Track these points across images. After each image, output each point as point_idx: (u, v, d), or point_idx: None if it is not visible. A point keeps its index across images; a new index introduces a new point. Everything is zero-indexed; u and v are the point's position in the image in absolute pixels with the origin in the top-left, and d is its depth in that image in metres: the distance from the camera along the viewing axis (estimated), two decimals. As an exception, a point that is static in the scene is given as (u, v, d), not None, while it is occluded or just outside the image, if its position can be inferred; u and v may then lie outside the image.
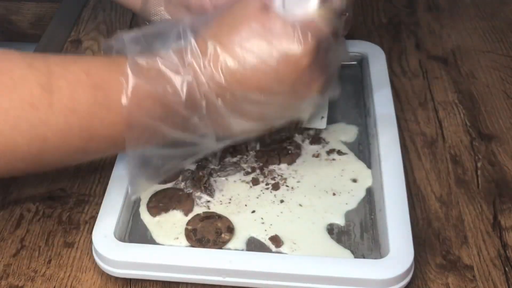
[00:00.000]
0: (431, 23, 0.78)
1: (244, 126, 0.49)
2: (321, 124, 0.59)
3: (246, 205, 0.54)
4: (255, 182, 0.56)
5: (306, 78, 0.47)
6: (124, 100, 0.45)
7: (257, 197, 0.55)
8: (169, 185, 0.56)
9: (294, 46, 0.46)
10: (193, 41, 0.47)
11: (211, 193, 0.55)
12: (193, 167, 0.57)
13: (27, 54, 0.46)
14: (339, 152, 0.58)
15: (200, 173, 0.56)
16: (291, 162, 0.57)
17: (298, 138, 0.60)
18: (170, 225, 0.53)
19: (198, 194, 0.55)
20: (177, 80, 0.46)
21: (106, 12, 0.82)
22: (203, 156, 0.52)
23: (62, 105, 0.45)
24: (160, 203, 0.54)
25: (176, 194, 0.55)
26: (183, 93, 0.46)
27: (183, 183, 0.56)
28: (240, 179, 0.56)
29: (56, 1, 0.84)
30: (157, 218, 0.53)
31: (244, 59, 0.46)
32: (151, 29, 0.50)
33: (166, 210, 0.54)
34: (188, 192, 0.55)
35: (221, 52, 0.46)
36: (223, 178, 0.56)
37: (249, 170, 0.57)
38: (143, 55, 0.47)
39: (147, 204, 0.54)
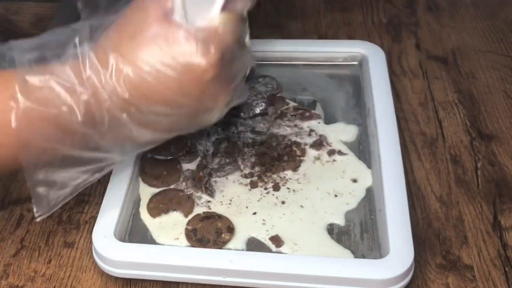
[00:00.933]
0: (431, 23, 0.78)
1: (151, 137, 0.48)
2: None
3: (247, 207, 0.54)
4: (254, 185, 0.55)
5: (211, 91, 0.46)
6: (14, 123, 0.43)
7: (258, 200, 0.55)
8: (171, 186, 0.56)
9: (197, 60, 0.44)
10: (92, 54, 0.44)
11: (211, 194, 0.55)
12: (193, 166, 0.57)
13: None
14: (340, 153, 0.58)
15: (201, 173, 0.56)
16: (295, 168, 0.57)
17: (300, 141, 0.59)
18: (170, 226, 0.52)
19: (198, 194, 0.55)
20: (73, 99, 0.43)
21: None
22: (111, 169, 0.50)
23: None
24: (160, 204, 0.54)
25: (176, 195, 0.55)
26: (80, 112, 0.44)
27: (184, 184, 0.56)
28: (239, 181, 0.56)
29: (56, 1, 0.84)
30: (157, 219, 0.53)
31: (147, 72, 0.44)
32: (47, 37, 0.47)
33: (166, 211, 0.54)
34: (188, 193, 0.55)
35: (123, 66, 0.44)
36: (224, 178, 0.56)
37: (248, 173, 0.56)
38: (36, 71, 0.44)
39: (147, 205, 0.54)
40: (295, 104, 0.63)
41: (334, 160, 0.58)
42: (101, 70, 0.44)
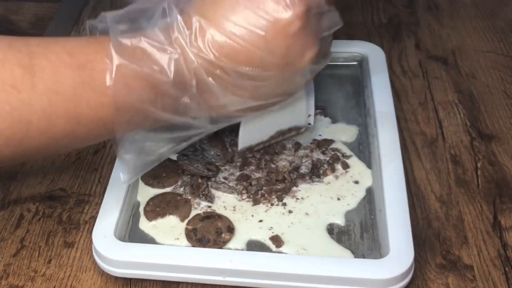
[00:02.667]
0: (431, 23, 0.79)
1: (238, 105, 0.47)
2: (309, 120, 0.58)
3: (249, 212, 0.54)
4: (256, 201, 0.54)
5: (298, 46, 0.45)
6: (109, 81, 0.43)
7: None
8: (168, 189, 0.56)
9: (282, 12, 0.43)
10: (179, 17, 0.45)
11: (211, 200, 0.54)
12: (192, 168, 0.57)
13: (6, 36, 0.44)
14: (344, 156, 0.58)
15: (200, 180, 0.55)
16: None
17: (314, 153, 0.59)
18: (165, 230, 0.52)
19: (197, 200, 0.54)
20: (163, 58, 0.44)
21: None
22: (198, 139, 0.50)
23: (45, 86, 0.43)
24: (157, 208, 0.54)
25: (174, 199, 0.54)
26: (171, 72, 0.44)
27: (181, 189, 0.55)
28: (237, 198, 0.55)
29: (56, 1, 0.84)
30: (153, 222, 0.53)
31: (231, 32, 0.44)
32: (135, 7, 0.47)
33: (163, 215, 0.53)
34: (186, 198, 0.55)
35: (207, 27, 0.44)
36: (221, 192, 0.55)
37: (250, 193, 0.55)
38: (128, 34, 0.45)
39: (144, 208, 0.54)
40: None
41: (338, 169, 0.57)
42: (187, 32, 0.44)
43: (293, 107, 0.56)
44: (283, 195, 0.55)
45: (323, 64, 0.50)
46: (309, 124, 0.59)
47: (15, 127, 0.43)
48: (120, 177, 0.54)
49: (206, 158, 0.57)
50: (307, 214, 0.53)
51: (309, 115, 0.59)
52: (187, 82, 0.45)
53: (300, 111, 0.57)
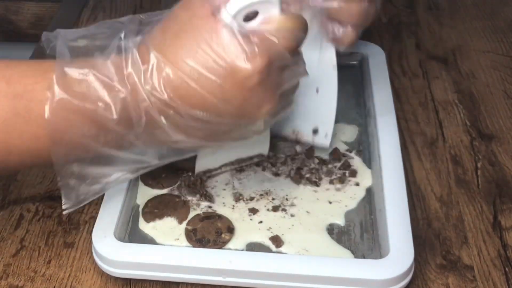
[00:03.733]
0: (431, 23, 0.78)
1: (190, 144, 0.46)
2: (324, 141, 0.57)
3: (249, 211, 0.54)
4: (254, 211, 0.54)
5: (255, 99, 0.43)
6: (47, 114, 0.41)
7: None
8: (167, 190, 0.55)
9: (241, 64, 0.41)
10: (135, 51, 0.43)
11: (210, 199, 0.54)
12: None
13: None
14: (347, 161, 0.58)
15: (193, 178, 0.55)
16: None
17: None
18: (163, 232, 0.52)
19: (196, 199, 0.54)
20: (110, 96, 0.42)
21: (106, 12, 0.82)
22: (148, 171, 0.49)
23: None
24: (155, 209, 0.54)
25: (172, 200, 0.54)
26: (116, 110, 0.42)
27: (179, 190, 0.55)
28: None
29: (56, 1, 0.84)
30: (151, 224, 0.53)
31: (188, 75, 0.42)
32: (94, 29, 0.46)
33: (161, 216, 0.53)
34: (184, 199, 0.54)
35: (164, 65, 0.42)
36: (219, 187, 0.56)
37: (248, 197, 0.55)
38: (76, 64, 0.43)
39: (142, 209, 0.54)
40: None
41: (343, 174, 0.57)
42: (142, 68, 0.42)
43: (255, 138, 0.52)
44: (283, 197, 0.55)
45: (282, 114, 0.48)
46: (325, 145, 0.57)
47: None
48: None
49: None
50: (307, 214, 0.53)
51: (326, 135, 0.57)
52: (134, 121, 0.43)
53: (262, 141, 0.56)
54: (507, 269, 0.50)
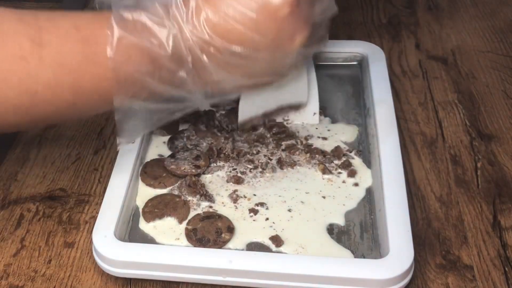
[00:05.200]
0: (431, 23, 0.79)
1: (231, 82, 0.49)
2: (313, 119, 0.59)
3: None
4: (254, 211, 0.54)
5: (288, 29, 0.47)
6: (109, 52, 0.45)
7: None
8: (165, 190, 0.55)
9: None
10: None
11: (211, 199, 0.54)
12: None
13: (17, 10, 0.46)
14: (347, 160, 0.58)
15: (193, 178, 0.55)
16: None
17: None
18: (164, 232, 0.52)
19: (197, 200, 0.54)
20: (162, 33, 0.46)
21: (106, 12, 0.82)
22: (192, 110, 0.52)
23: (52, 59, 0.45)
24: (156, 209, 0.54)
25: (172, 200, 0.54)
26: (169, 46, 0.46)
27: (180, 190, 0.55)
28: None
29: (56, 1, 0.84)
30: (151, 223, 0.53)
31: (224, 12, 0.46)
32: None
33: (161, 216, 0.53)
34: (185, 199, 0.54)
35: (202, 6, 0.46)
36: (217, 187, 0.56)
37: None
38: (130, 9, 0.47)
39: (143, 209, 0.54)
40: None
41: (340, 173, 0.57)
42: (184, 10, 0.46)
43: (293, 84, 0.57)
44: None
45: (316, 48, 0.52)
46: (314, 122, 0.60)
47: (22, 97, 0.45)
48: (120, 176, 0.54)
49: (194, 154, 0.57)
50: (307, 214, 0.53)
51: (314, 113, 0.60)
52: (183, 57, 0.47)
53: (300, 88, 0.58)
54: (506, 269, 0.50)
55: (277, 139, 0.59)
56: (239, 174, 0.56)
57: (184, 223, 0.52)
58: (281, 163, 0.57)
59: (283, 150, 0.58)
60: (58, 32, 0.46)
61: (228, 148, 0.58)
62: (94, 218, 0.53)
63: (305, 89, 0.59)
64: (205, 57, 0.47)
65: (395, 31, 0.77)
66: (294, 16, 0.46)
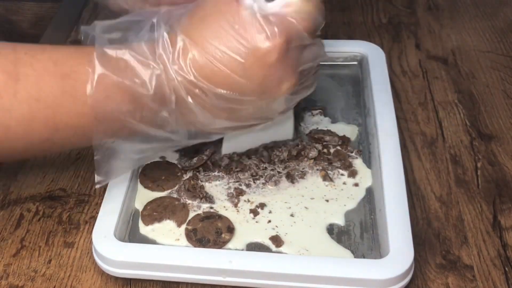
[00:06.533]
0: (431, 23, 0.78)
1: (216, 124, 0.49)
2: (288, 135, 0.58)
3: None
4: (254, 212, 0.54)
5: (275, 76, 0.46)
6: (89, 90, 0.45)
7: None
8: (165, 193, 0.55)
9: (261, 42, 0.45)
10: (165, 34, 0.46)
11: (211, 200, 0.54)
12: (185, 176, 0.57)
13: None
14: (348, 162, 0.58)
15: (192, 182, 0.55)
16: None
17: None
18: (162, 235, 0.52)
19: (197, 203, 0.54)
20: (146, 72, 0.45)
21: (107, 12, 0.82)
22: (175, 149, 0.51)
23: (27, 93, 0.44)
24: (155, 212, 0.53)
25: (171, 203, 0.54)
26: (152, 86, 0.46)
27: (179, 193, 0.55)
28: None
29: (56, 1, 0.84)
30: (150, 226, 0.53)
31: (212, 55, 0.45)
32: (127, 19, 0.49)
33: (160, 219, 0.53)
34: (184, 202, 0.54)
35: (190, 47, 0.45)
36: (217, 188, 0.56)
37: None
38: (114, 46, 0.46)
39: (141, 212, 0.54)
40: None
41: (342, 174, 0.57)
42: (171, 49, 0.46)
43: (279, 124, 0.56)
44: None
45: (303, 94, 0.51)
46: (289, 137, 0.59)
47: None
48: (120, 177, 0.54)
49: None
50: (307, 214, 0.53)
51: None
52: (166, 98, 0.46)
53: (286, 128, 0.58)
54: (506, 268, 0.50)
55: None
56: (242, 187, 0.56)
57: (183, 226, 0.52)
58: (289, 176, 0.56)
59: (288, 160, 0.58)
60: (36, 66, 0.45)
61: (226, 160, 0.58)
62: (94, 218, 0.53)
63: (291, 128, 0.58)
64: (189, 98, 0.46)
65: (395, 31, 0.77)
66: (282, 63, 0.46)
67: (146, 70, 0.45)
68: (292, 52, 0.46)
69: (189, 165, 0.56)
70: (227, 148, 0.57)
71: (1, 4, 0.85)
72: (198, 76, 0.45)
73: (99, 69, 0.45)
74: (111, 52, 0.46)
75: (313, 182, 0.56)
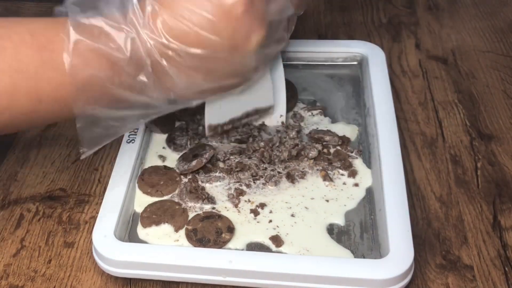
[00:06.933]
0: (431, 23, 0.79)
1: (192, 87, 0.49)
2: (268, 101, 0.59)
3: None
4: (254, 212, 0.54)
5: (243, 29, 0.47)
6: (66, 57, 0.45)
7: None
8: (166, 197, 0.55)
9: None
10: (135, 1, 0.46)
11: (213, 201, 0.54)
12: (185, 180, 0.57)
13: None
14: (348, 162, 0.58)
15: (193, 184, 0.55)
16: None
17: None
18: (158, 238, 0.52)
19: (199, 204, 0.54)
20: (120, 37, 0.46)
21: (106, 12, 0.82)
22: (156, 117, 0.51)
23: (7, 65, 0.45)
24: (154, 215, 0.53)
25: (171, 207, 0.54)
26: (127, 50, 0.46)
27: (179, 197, 0.55)
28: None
29: (56, 1, 0.84)
30: (147, 230, 0.52)
31: (181, 14, 0.46)
32: None
33: (158, 223, 0.53)
34: (185, 207, 0.54)
35: (159, 10, 0.46)
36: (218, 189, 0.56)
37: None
38: (86, 14, 0.46)
39: (141, 214, 0.53)
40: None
41: (342, 175, 0.57)
42: (141, 14, 0.46)
43: (258, 88, 0.57)
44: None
45: (275, 49, 0.52)
46: (282, 123, 0.60)
47: None
48: (120, 177, 0.54)
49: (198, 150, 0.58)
50: (307, 214, 0.53)
51: (281, 115, 0.60)
52: (142, 61, 0.47)
53: (265, 92, 0.58)
54: (506, 269, 0.50)
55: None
56: (242, 187, 0.56)
57: (180, 231, 0.52)
58: (289, 177, 0.56)
59: (288, 160, 0.58)
60: (13, 38, 0.45)
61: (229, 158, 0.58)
62: (94, 218, 0.53)
63: (270, 93, 0.58)
64: (164, 61, 0.47)
65: (395, 31, 0.77)
66: (249, 15, 0.46)
67: (120, 34, 0.46)
68: (257, 3, 0.47)
69: (188, 168, 0.56)
70: (210, 118, 0.57)
71: (1, 4, 0.85)
72: (170, 38, 0.46)
73: (74, 36, 0.45)
74: (85, 20, 0.46)
75: (313, 182, 0.56)
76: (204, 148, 0.57)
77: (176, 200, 0.55)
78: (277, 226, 0.52)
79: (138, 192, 0.55)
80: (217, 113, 0.57)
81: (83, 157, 0.51)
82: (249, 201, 0.54)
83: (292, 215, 0.53)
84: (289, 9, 0.51)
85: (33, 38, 0.46)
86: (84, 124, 0.49)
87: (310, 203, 0.54)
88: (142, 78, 0.47)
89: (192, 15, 0.46)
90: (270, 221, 0.53)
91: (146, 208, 0.54)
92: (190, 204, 0.54)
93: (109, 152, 0.61)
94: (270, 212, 0.53)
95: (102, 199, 0.53)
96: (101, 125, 0.50)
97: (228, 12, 0.46)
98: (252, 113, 0.59)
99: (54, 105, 0.47)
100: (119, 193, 0.53)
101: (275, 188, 0.55)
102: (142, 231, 0.52)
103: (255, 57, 0.50)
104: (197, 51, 0.47)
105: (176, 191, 0.55)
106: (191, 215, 0.53)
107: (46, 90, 0.46)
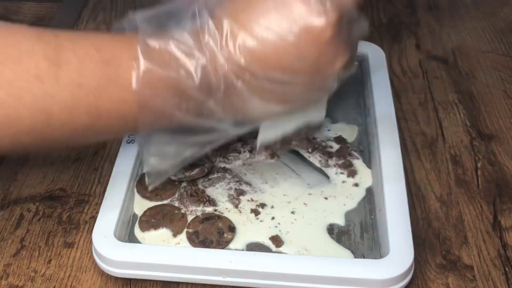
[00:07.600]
0: (431, 23, 0.79)
1: (265, 109, 0.47)
2: (320, 116, 0.56)
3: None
4: (255, 212, 0.54)
5: (329, 53, 0.44)
6: (134, 85, 0.44)
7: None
8: (166, 201, 0.55)
9: (315, 19, 0.43)
10: (210, 20, 0.44)
11: (214, 203, 0.54)
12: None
13: (36, 28, 0.45)
14: (348, 161, 0.58)
15: (193, 187, 0.55)
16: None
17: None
18: (156, 243, 0.52)
19: (201, 208, 0.54)
20: (191, 63, 0.44)
21: (106, 12, 0.82)
22: (223, 143, 0.50)
23: (69, 79, 0.43)
24: (153, 219, 0.53)
25: (171, 212, 0.53)
26: (198, 77, 0.44)
27: (179, 201, 0.54)
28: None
29: (56, 1, 0.84)
30: (145, 233, 0.52)
31: (262, 36, 0.43)
32: (165, 8, 0.47)
33: (156, 227, 0.52)
34: (184, 211, 0.54)
35: (238, 31, 0.43)
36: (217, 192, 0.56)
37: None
38: (156, 36, 0.45)
39: (140, 218, 0.53)
40: None
41: (341, 173, 0.57)
42: (218, 36, 0.44)
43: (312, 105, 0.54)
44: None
45: (352, 70, 0.49)
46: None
47: (36, 117, 0.43)
48: (121, 177, 0.54)
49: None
50: (307, 214, 0.53)
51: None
52: (213, 87, 0.45)
53: (320, 107, 0.55)
54: (507, 269, 0.50)
55: None
56: (241, 187, 0.56)
57: (178, 236, 0.52)
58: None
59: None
60: (78, 52, 0.44)
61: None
62: (94, 218, 0.53)
63: (324, 107, 0.55)
64: (240, 84, 0.44)
65: (395, 31, 0.77)
66: (335, 40, 0.44)
67: (191, 60, 0.44)
68: (344, 28, 0.44)
69: (188, 175, 0.56)
70: (264, 138, 0.54)
71: (1, 4, 0.85)
72: (250, 60, 0.44)
73: (143, 64, 0.44)
74: (154, 43, 0.44)
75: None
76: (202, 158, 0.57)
77: (176, 204, 0.54)
78: (279, 224, 0.52)
79: (137, 196, 0.55)
80: (271, 130, 0.54)
81: (151, 188, 0.52)
82: (251, 200, 0.54)
83: (292, 215, 0.53)
84: (366, 31, 0.48)
85: (98, 53, 0.44)
86: (149, 154, 0.48)
87: (310, 203, 0.54)
88: (211, 103, 0.46)
89: (275, 37, 0.43)
90: (270, 221, 0.53)
91: (145, 211, 0.54)
92: (191, 208, 0.54)
93: (109, 152, 0.61)
94: (272, 208, 0.53)
95: (102, 199, 0.53)
96: (167, 155, 0.49)
97: (315, 37, 0.43)
98: (302, 128, 0.57)
99: (114, 121, 0.46)
100: (119, 193, 0.53)
101: (275, 188, 0.55)
102: (140, 234, 0.52)
103: (335, 80, 0.47)
104: (278, 74, 0.44)
105: (176, 195, 0.55)
106: (190, 219, 0.53)
107: (107, 106, 0.45)
